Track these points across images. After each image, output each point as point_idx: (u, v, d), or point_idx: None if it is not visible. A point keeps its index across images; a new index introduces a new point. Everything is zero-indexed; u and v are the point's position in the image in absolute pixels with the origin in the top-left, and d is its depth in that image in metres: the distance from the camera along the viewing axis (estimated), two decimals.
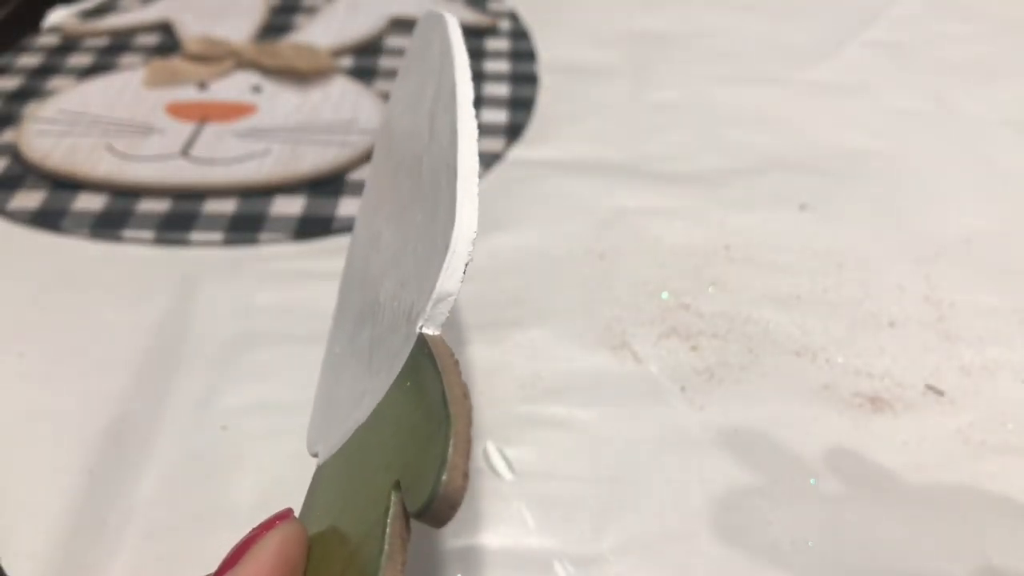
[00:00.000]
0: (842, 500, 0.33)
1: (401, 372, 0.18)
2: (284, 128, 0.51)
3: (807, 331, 0.40)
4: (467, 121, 0.20)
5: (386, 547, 0.15)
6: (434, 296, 0.18)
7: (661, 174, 0.49)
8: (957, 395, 0.37)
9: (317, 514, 0.20)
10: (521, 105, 0.55)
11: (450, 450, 0.15)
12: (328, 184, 0.48)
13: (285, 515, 0.20)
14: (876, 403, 0.36)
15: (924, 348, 0.39)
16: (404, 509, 0.16)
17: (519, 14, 0.65)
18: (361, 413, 0.20)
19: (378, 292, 0.22)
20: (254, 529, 0.19)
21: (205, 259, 0.43)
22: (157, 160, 0.48)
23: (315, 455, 0.23)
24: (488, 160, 0.51)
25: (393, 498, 0.16)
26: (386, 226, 0.24)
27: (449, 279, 0.18)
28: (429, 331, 0.18)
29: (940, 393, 0.37)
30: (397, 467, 0.17)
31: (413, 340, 0.18)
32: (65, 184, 0.47)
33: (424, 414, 0.17)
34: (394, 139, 0.28)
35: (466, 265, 0.18)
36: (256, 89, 0.55)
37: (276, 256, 0.44)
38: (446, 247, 0.18)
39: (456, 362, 0.17)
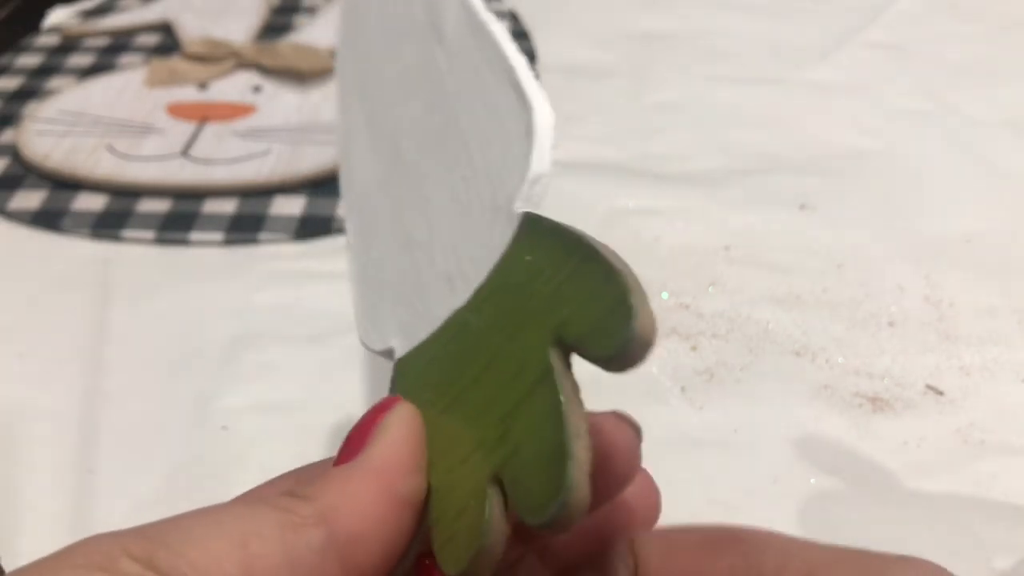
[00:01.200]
0: (842, 500, 0.33)
1: (511, 250, 0.19)
2: (284, 128, 0.51)
3: (807, 331, 0.40)
4: (496, 24, 0.21)
5: (562, 397, 0.16)
6: (529, 177, 0.18)
7: (661, 174, 0.49)
8: (957, 395, 0.37)
9: (419, 400, 0.20)
10: None
11: (631, 296, 0.15)
12: (328, 184, 0.48)
13: (396, 399, 0.19)
14: (876, 403, 0.36)
15: (924, 348, 0.39)
16: (567, 365, 0.16)
17: (519, 14, 0.65)
18: (455, 299, 0.20)
19: (425, 192, 0.23)
20: (366, 414, 0.19)
21: (205, 259, 0.43)
22: (157, 160, 0.48)
23: (387, 350, 0.22)
24: None
25: (553, 355, 0.16)
26: (405, 135, 0.24)
27: (540, 161, 0.18)
28: (530, 210, 0.18)
29: (940, 393, 0.37)
30: (545, 331, 0.17)
31: (515, 220, 0.18)
32: (65, 184, 0.47)
33: (571, 275, 0.17)
34: (370, 62, 0.27)
35: (551, 148, 0.19)
36: (256, 89, 0.55)
37: (276, 256, 0.44)
38: (528, 131, 0.19)
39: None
